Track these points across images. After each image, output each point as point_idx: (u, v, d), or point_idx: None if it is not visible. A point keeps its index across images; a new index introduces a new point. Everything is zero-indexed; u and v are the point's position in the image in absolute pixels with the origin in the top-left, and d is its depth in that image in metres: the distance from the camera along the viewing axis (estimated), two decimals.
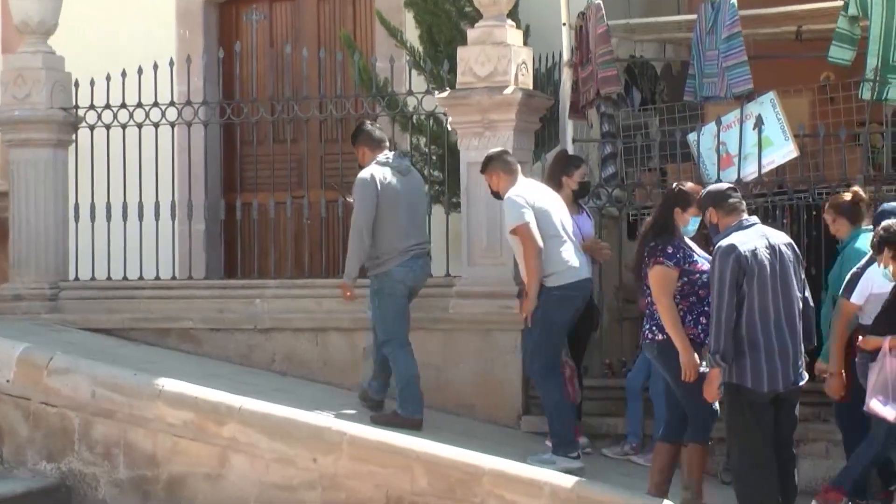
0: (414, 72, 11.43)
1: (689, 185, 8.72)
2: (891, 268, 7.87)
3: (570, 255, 9.53)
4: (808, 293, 8.24)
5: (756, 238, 8.02)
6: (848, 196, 9.14)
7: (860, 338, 8.09)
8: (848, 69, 10.32)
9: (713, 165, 10.42)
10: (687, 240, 8.64)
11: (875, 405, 7.70)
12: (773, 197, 10.31)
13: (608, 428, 10.28)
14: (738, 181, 10.19)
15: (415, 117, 11.30)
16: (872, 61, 10.10)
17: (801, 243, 10.02)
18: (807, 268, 10.11)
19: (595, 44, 10.82)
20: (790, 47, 11.44)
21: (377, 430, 9.22)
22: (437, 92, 10.91)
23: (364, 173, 9.91)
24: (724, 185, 8.49)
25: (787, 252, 8.08)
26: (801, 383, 8.08)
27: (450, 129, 10.93)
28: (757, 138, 10.25)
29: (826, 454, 9.53)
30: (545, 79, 11.53)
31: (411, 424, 9.61)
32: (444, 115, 10.95)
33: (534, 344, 9.53)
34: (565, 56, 11.15)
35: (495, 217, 10.49)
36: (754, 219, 8.23)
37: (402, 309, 9.88)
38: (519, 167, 9.83)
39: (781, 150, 10.28)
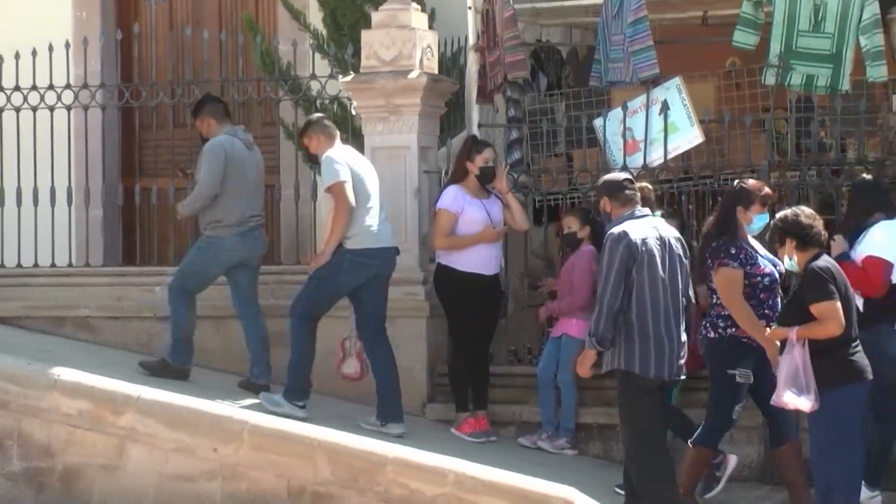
0: (317, 55, 11.28)
1: (751, 183, 8.62)
2: (795, 258, 7.84)
3: (374, 221, 9.65)
4: (691, 291, 8.30)
5: (647, 228, 8.03)
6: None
7: (768, 329, 8.08)
8: (754, 55, 10.32)
9: (619, 151, 10.36)
10: (751, 239, 8.55)
11: (789, 397, 7.66)
12: (678, 183, 10.29)
13: (514, 415, 10.21)
14: (644, 167, 10.20)
15: (318, 102, 11.14)
16: (776, 47, 10.11)
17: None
18: None
19: (502, 28, 10.72)
20: (696, 32, 11.42)
21: (279, 420, 9.06)
22: (341, 76, 10.81)
23: (215, 141, 10.03)
24: (620, 176, 8.44)
25: (676, 245, 8.11)
26: (682, 377, 8.23)
27: (354, 113, 10.78)
28: (663, 124, 10.20)
29: (730, 439, 9.55)
30: (451, 63, 11.47)
31: (178, 374, 9.88)
32: (349, 99, 10.82)
33: (309, 292, 9.63)
34: (471, 40, 11.04)
35: (400, 202, 10.40)
36: (646, 210, 8.25)
37: (213, 275, 10.11)
38: (338, 133, 9.90)
39: (687, 136, 10.24)
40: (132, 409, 9.11)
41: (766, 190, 8.73)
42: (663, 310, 7.92)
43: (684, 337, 8.08)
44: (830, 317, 7.60)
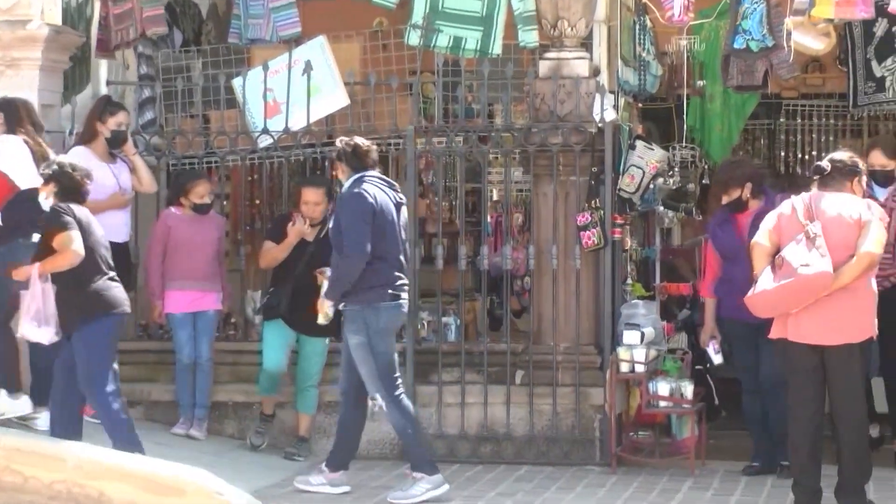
0: None
1: None
2: (51, 199, 8.15)
3: None
4: None
5: None
6: None
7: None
8: (402, 14, 10.05)
9: (259, 113, 9.99)
10: None
11: (28, 329, 8.03)
12: (321, 147, 9.94)
13: (143, 394, 9.73)
14: (286, 130, 9.90)
15: None
16: (420, 7, 9.81)
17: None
18: None
19: None
20: None
21: None
22: None
23: None
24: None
25: None
26: None
27: None
28: (306, 85, 9.83)
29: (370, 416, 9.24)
30: (76, 14, 10.76)
31: None
32: None
33: None
34: None
35: None
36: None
37: None
38: None
39: (331, 98, 9.94)
40: None
41: None
42: None
43: None
44: (66, 246, 8.01)
